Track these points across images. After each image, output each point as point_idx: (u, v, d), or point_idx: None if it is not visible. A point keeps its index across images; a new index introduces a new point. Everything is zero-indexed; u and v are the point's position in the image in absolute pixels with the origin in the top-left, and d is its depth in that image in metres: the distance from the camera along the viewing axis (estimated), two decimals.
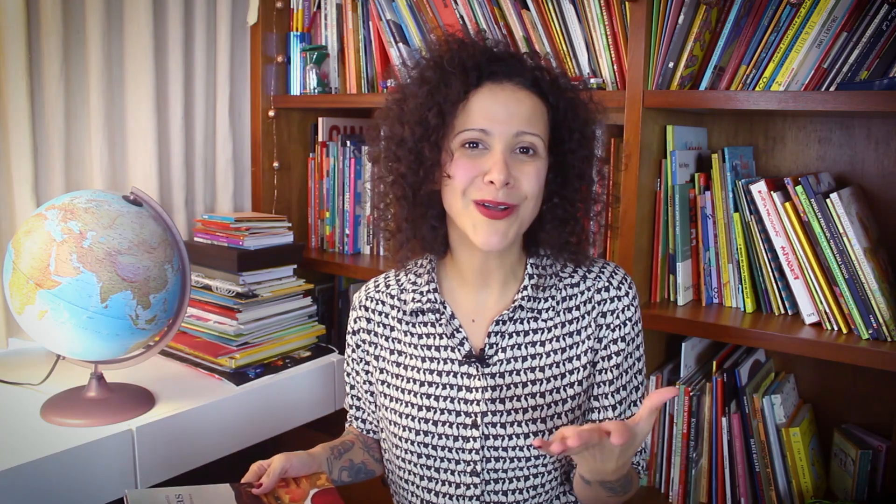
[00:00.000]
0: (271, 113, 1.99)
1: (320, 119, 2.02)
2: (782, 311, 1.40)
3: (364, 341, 1.16)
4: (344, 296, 2.08)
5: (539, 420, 1.04)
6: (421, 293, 1.09)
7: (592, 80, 1.47)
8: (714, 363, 1.43)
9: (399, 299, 1.13)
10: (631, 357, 1.09)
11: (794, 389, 1.53)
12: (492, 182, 0.95)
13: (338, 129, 2.05)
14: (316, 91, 1.92)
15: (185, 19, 1.84)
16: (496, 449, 1.04)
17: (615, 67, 1.46)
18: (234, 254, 1.67)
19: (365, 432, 1.21)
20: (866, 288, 1.24)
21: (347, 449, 1.15)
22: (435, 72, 1.00)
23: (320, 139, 2.02)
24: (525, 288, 1.06)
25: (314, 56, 1.91)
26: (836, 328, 1.30)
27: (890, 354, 1.19)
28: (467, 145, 0.98)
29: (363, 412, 1.21)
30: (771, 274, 1.38)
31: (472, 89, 0.98)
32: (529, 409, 1.04)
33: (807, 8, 1.25)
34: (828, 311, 1.30)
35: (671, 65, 1.37)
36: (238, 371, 1.59)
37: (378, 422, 1.18)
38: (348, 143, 1.94)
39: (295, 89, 1.99)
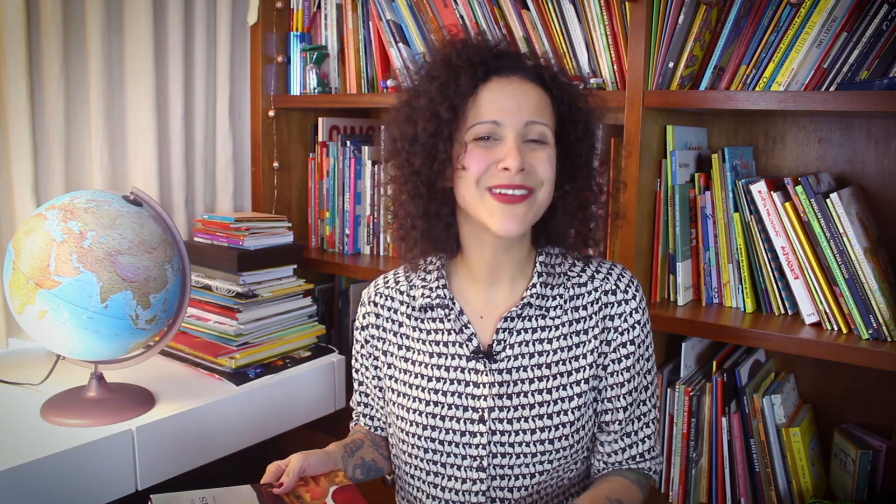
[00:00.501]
0: (271, 113, 1.99)
1: (320, 119, 2.02)
2: (782, 311, 1.40)
3: (373, 336, 1.17)
4: (344, 296, 2.08)
5: (545, 416, 1.05)
6: (430, 289, 1.11)
7: (592, 80, 1.47)
8: (714, 363, 1.43)
9: (408, 295, 1.14)
10: (641, 359, 1.10)
11: (794, 389, 1.53)
12: (506, 168, 0.97)
13: (338, 129, 2.05)
14: (316, 91, 1.92)
15: (185, 19, 1.84)
16: (502, 445, 1.05)
17: (615, 67, 1.46)
18: (234, 254, 1.67)
19: (372, 429, 1.21)
20: (866, 288, 1.24)
21: (358, 447, 1.16)
22: (443, 69, 1.02)
23: (320, 139, 2.02)
24: (534, 285, 1.07)
25: (314, 56, 1.91)
26: (836, 328, 1.30)
27: (890, 354, 1.19)
28: (480, 138, 1.00)
29: (371, 409, 1.21)
30: (771, 274, 1.38)
31: (481, 83, 1.01)
32: (536, 405, 1.05)
33: (807, 8, 1.25)
34: (828, 311, 1.30)
35: (671, 65, 1.36)
36: (238, 371, 1.59)
37: (386, 417, 1.18)
38: (348, 143, 1.94)
39: (295, 89, 1.99)
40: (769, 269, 1.38)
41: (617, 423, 1.09)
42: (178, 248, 1.38)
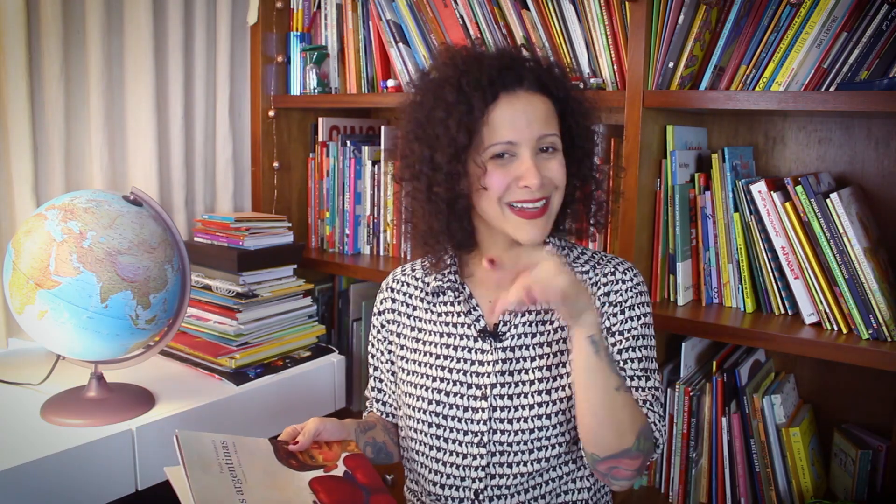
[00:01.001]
0: (271, 113, 1.99)
1: (320, 119, 2.02)
2: (782, 311, 1.40)
3: (389, 321, 1.23)
4: (344, 296, 2.08)
5: (544, 392, 1.09)
6: (443, 274, 1.17)
7: (592, 80, 1.47)
8: (714, 363, 1.43)
9: (423, 281, 1.21)
10: (626, 333, 1.10)
11: (794, 389, 1.53)
12: (527, 186, 1.03)
13: (338, 129, 2.05)
14: (316, 91, 1.92)
15: (185, 19, 1.84)
16: (502, 421, 1.09)
17: (615, 67, 1.46)
18: (234, 254, 1.67)
19: (385, 415, 1.25)
20: (866, 288, 1.24)
21: (371, 427, 1.21)
22: (452, 93, 1.04)
23: (320, 139, 2.02)
24: None
25: (314, 56, 1.91)
26: (836, 328, 1.30)
27: (890, 354, 1.19)
28: (496, 156, 1.04)
29: (385, 394, 1.25)
30: (771, 274, 1.38)
31: (490, 104, 1.04)
32: (536, 381, 1.10)
33: (807, 8, 1.25)
34: (828, 311, 1.30)
35: (671, 65, 1.36)
36: (238, 371, 1.59)
37: (397, 401, 1.22)
38: (348, 143, 1.94)
39: (295, 89, 1.99)
40: (769, 269, 1.38)
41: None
42: (178, 248, 1.38)
